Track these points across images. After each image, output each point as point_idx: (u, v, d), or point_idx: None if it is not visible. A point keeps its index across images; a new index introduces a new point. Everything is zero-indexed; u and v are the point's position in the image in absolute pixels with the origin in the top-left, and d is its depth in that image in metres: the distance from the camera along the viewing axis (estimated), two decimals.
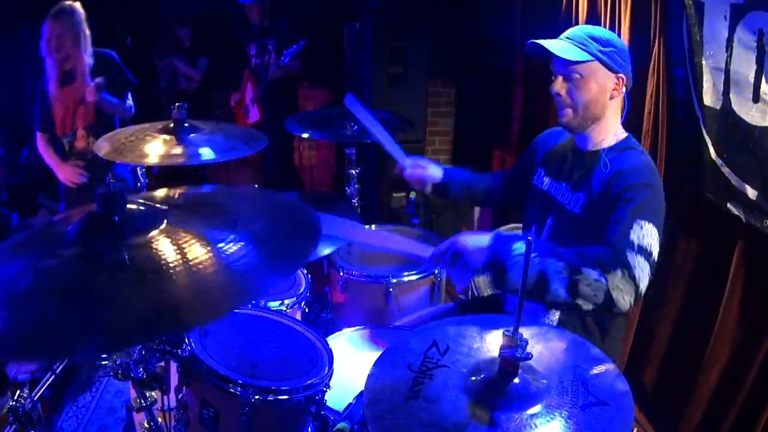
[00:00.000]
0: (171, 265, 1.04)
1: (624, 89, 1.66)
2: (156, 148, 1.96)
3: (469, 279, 1.58)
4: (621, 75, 1.64)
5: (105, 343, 0.97)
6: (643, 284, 1.45)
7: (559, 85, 1.65)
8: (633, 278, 1.42)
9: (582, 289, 1.38)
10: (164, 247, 1.08)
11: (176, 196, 1.38)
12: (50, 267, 1.05)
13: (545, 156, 1.87)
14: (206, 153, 1.97)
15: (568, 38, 1.65)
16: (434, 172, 2.10)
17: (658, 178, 1.63)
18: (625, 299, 1.41)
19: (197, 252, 1.07)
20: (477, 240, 1.49)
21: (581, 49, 1.61)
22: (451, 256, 1.52)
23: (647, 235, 1.47)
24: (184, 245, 1.08)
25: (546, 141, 1.92)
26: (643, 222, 1.48)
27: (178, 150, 1.96)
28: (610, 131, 1.68)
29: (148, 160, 1.93)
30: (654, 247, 1.47)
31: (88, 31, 2.92)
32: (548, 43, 1.62)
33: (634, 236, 1.47)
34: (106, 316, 0.96)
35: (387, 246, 1.96)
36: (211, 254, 1.07)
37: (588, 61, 1.60)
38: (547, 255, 1.41)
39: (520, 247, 1.42)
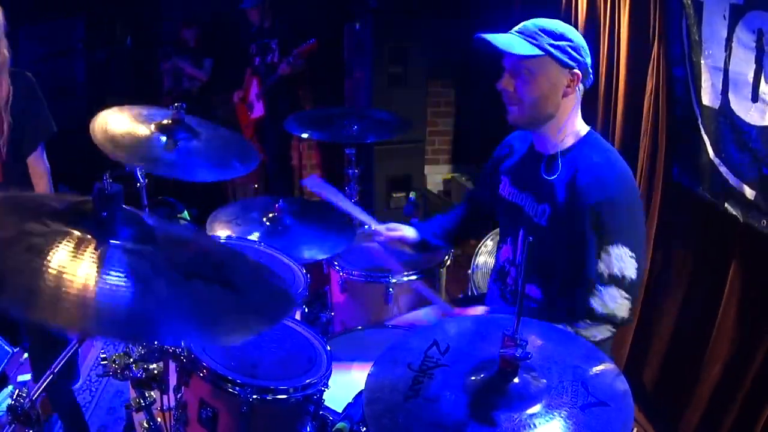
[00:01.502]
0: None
1: (581, 85, 1.57)
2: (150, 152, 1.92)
3: None
4: (576, 71, 1.54)
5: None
6: (621, 311, 1.48)
7: (506, 81, 1.57)
8: (601, 317, 1.48)
9: None
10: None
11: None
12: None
13: (509, 165, 1.81)
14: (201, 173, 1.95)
15: (518, 32, 1.56)
16: (408, 233, 2.06)
17: (627, 179, 1.55)
18: (601, 333, 1.49)
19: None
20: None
21: (530, 42, 1.51)
22: None
23: (617, 259, 1.46)
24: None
25: (509, 147, 1.85)
26: (610, 248, 1.47)
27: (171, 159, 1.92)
28: (567, 130, 1.59)
29: (143, 164, 1.92)
30: (627, 269, 1.47)
31: (6, 52, 2.17)
32: (494, 37, 1.52)
33: (602, 267, 1.47)
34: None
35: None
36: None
37: (537, 55, 1.51)
38: None
39: None
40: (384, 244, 2.11)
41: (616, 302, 1.47)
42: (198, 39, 4.68)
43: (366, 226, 2.17)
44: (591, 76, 1.60)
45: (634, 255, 1.48)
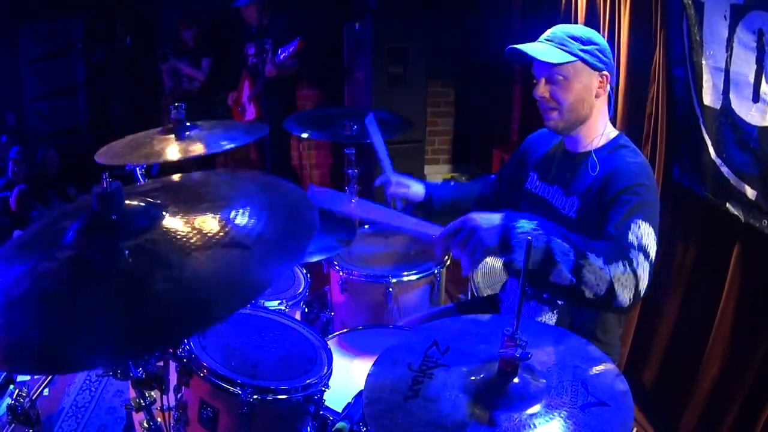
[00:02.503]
0: (167, 267, 1.01)
1: (608, 86, 1.64)
2: (159, 146, 1.94)
3: (480, 259, 1.46)
4: (605, 72, 1.61)
5: (80, 362, 0.95)
6: (643, 282, 1.43)
7: (542, 89, 1.63)
8: (634, 273, 1.39)
9: (586, 275, 1.32)
10: (160, 247, 1.05)
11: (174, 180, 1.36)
12: (45, 271, 1.03)
13: (537, 160, 1.85)
14: (199, 148, 1.95)
15: (548, 40, 1.62)
16: (416, 190, 2.06)
17: (653, 178, 1.61)
18: (625, 294, 1.38)
19: (192, 254, 1.03)
20: (489, 218, 1.40)
21: (562, 50, 1.58)
22: (464, 235, 1.40)
23: (645, 234, 1.46)
24: (179, 246, 1.05)
25: (537, 143, 1.90)
26: (639, 221, 1.46)
27: (181, 146, 1.94)
28: (598, 131, 1.66)
29: (155, 158, 1.92)
30: (651, 247, 1.45)
31: None
32: (529, 47, 1.59)
33: (632, 236, 1.45)
34: (86, 332, 0.93)
35: (393, 224, 1.79)
36: (206, 255, 1.04)
37: (571, 61, 1.57)
38: (555, 234, 1.35)
39: (524, 225, 1.36)
40: (388, 194, 2.09)
41: (644, 270, 1.41)
42: (197, 39, 4.68)
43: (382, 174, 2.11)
44: (615, 77, 1.67)
45: (655, 237, 1.46)
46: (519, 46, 1.58)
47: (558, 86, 1.61)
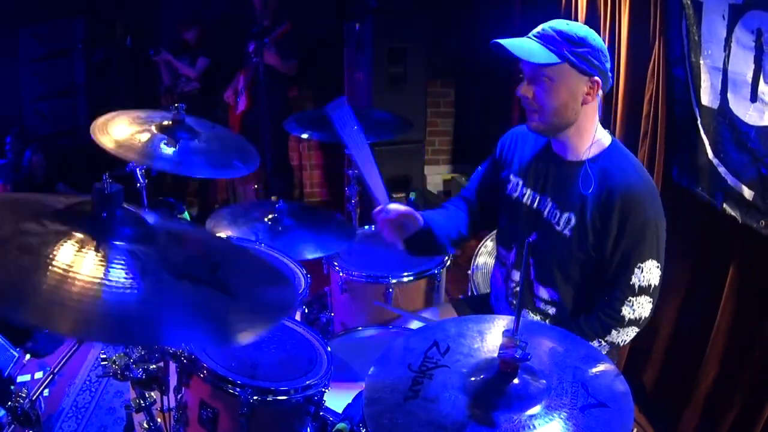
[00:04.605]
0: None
1: (600, 91, 1.54)
2: (152, 150, 1.92)
3: None
4: (596, 78, 1.50)
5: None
6: (644, 316, 1.58)
7: (525, 88, 1.53)
8: (631, 321, 1.57)
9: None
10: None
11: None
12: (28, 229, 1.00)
13: (521, 164, 1.73)
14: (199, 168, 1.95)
15: (538, 36, 1.51)
16: (413, 220, 1.73)
17: (654, 194, 1.57)
18: (628, 336, 1.61)
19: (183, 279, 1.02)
20: None
21: (549, 49, 1.47)
22: None
23: (647, 272, 1.54)
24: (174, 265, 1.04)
25: (516, 144, 1.77)
26: (642, 264, 1.54)
27: (170, 153, 1.92)
28: (588, 138, 1.57)
29: (144, 162, 1.91)
30: (654, 279, 1.56)
31: None
32: (513, 44, 1.48)
33: (635, 280, 1.55)
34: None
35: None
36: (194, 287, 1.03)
37: (557, 63, 1.47)
38: None
39: None
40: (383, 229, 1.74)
41: (643, 307, 1.57)
42: (197, 38, 4.66)
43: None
44: (611, 80, 1.57)
45: (660, 265, 1.56)
46: (503, 42, 1.48)
47: (542, 88, 1.51)
